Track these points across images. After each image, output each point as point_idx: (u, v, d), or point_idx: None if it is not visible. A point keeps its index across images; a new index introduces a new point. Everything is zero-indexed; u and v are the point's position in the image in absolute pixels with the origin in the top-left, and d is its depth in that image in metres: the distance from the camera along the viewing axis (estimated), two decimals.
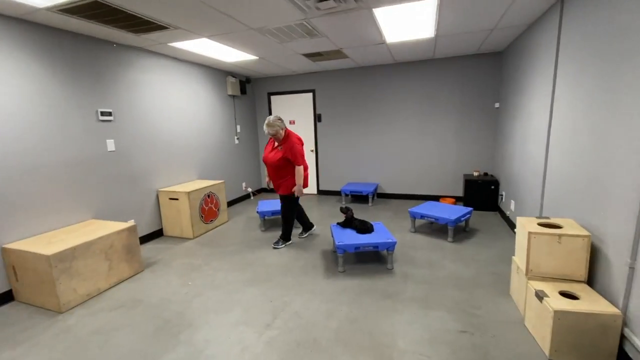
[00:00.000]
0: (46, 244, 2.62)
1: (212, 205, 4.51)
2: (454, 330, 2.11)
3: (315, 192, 6.47)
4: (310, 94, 6.09)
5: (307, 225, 4.02)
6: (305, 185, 3.56)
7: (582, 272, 2.02)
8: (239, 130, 6.02)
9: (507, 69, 4.39)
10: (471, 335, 2.06)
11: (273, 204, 4.57)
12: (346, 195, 5.78)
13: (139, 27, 3.05)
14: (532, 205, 3.24)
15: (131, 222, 3.22)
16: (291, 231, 3.74)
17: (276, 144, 3.47)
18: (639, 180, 1.64)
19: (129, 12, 2.67)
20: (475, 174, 4.97)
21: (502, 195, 4.53)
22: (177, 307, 2.53)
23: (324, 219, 4.73)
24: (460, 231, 3.97)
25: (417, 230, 4.11)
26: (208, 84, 5.13)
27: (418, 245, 3.59)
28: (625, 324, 1.75)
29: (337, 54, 4.48)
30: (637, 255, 1.66)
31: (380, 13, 2.96)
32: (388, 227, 4.25)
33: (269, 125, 3.32)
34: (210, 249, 3.73)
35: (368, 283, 2.78)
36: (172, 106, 4.41)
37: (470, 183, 4.79)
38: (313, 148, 6.28)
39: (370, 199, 5.39)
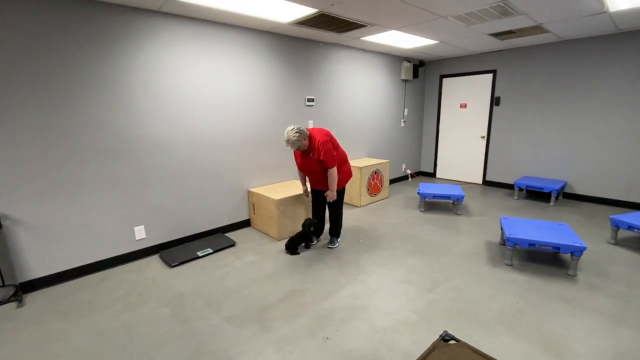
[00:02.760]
0: (272, 192, 3.77)
1: (377, 181, 5.06)
2: None
3: (480, 182, 6.09)
4: (490, 75, 5.63)
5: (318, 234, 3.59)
6: (345, 181, 3.25)
7: None
8: (406, 113, 6.29)
9: None
10: None
11: (434, 187, 4.70)
12: (520, 190, 5.19)
13: (344, 27, 3.71)
14: None
15: None
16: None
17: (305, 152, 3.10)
18: None
19: (342, 18, 3.32)
20: None
21: None
22: (352, 255, 3.19)
23: (490, 210, 4.50)
24: None
25: (618, 242, 3.38)
26: (384, 70, 5.58)
27: (617, 260, 3.00)
28: None
29: (535, 30, 3.98)
30: None
31: None
32: (576, 233, 3.66)
33: (290, 142, 2.90)
34: (375, 218, 4.30)
35: (540, 282, 2.64)
36: (354, 92, 5.12)
37: None
38: (484, 134, 5.86)
39: (552, 198, 4.67)
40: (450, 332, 2.07)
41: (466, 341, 1.95)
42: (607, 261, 2.98)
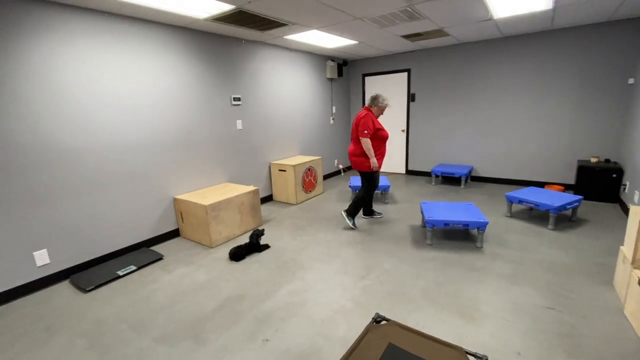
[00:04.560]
0: (202, 197, 3.58)
1: (312, 178, 5.16)
2: (540, 306, 2.22)
3: (403, 171, 6.63)
4: (405, 74, 6.14)
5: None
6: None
7: None
8: (334, 111, 6.52)
9: None
10: (559, 312, 2.15)
11: None
12: (437, 176, 5.80)
13: (265, 25, 3.68)
14: None
15: (254, 187, 4.04)
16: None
17: (379, 118, 3.61)
18: None
19: (261, 15, 3.28)
20: (593, 160, 4.42)
21: (625, 185, 3.99)
22: (290, 254, 3.21)
23: (413, 197, 4.93)
24: (565, 220, 3.73)
25: (513, 215, 4.01)
26: (310, 69, 5.69)
27: (512, 230, 3.56)
28: None
29: (438, 33, 4.46)
30: None
31: None
32: (481, 210, 4.23)
33: (388, 100, 3.59)
34: (311, 214, 4.39)
35: (455, 257, 2.99)
36: (282, 90, 5.12)
37: (584, 170, 4.32)
38: (404, 128, 6.39)
39: (462, 182, 5.32)
40: (382, 313, 2.22)
41: (396, 319, 2.12)
42: (505, 232, 3.52)
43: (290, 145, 5.45)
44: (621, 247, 2.34)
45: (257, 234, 3.28)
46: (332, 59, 6.21)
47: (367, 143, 3.47)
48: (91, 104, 2.92)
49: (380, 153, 3.64)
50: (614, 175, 4.16)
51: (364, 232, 3.68)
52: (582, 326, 2.01)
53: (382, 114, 3.66)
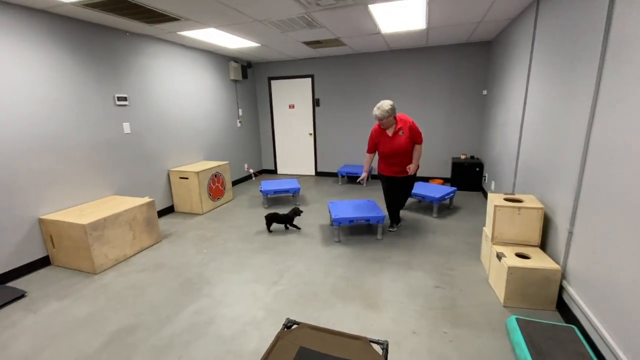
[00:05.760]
0: (79, 215, 3.00)
1: (219, 185, 4.87)
2: (430, 286, 2.55)
3: (313, 173, 6.84)
4: (309, 79, 6.35)
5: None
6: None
7: (536, 238, 2.44)
8: (240, 113, 6.30)
9: (495, 57, 4.68)
10: (443, 289, 2.50)
11: (274, 183, 4.94)
12: (342, 176, 6.15)
13: (152, 18, 3.31)
14: (507, 184, 3.65)
15: (149, 198, 3.59)
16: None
17: (390, 131, 3.30)
18: (577, 164, 2.02)
19: (145, 6, 2.93)
20: (462, 157, 5.34)
21: (485, 176, 4.93)
22: (195, 269, 2.95)
23: (322, 197, 5.12)
24: (445, 208, 4.39)
25: (406, 207, 4.52)
26: (212, 69, 5.37)
27: (405, 220, 4.01)
28: (564, 277, 2.18)
29: (336, 42, 4.73)
30: (575, 222, 2.06)
31: (376, 8, 3.24)
32: (379, 205, 4.66)
33: (381, 109, 3.12)
34: (219, 223, 4.13)
35: (359, 250, 3.21)
36: (180, 91, 4.69)
37: (457, 165, 5.17)
38: (311, 131, 6.60)
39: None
40: (295, 316, 2.22)
41: (307, 321, 2.15)
42: (400, 222, 3.94)
43: (193, 150, 5.04)
44: (484, 228, 2.86)
45: (296, 212, 3.72)
46: (236, 60, 6.00)
47: (366, 157, 3.56)
48: None
49: (389, 163, 3.45)
50: (477, 169, 5.09)
51: (276, 237, 3.64)
52: (460, 298, 2.38)
53: (384, 126, 3.28)
